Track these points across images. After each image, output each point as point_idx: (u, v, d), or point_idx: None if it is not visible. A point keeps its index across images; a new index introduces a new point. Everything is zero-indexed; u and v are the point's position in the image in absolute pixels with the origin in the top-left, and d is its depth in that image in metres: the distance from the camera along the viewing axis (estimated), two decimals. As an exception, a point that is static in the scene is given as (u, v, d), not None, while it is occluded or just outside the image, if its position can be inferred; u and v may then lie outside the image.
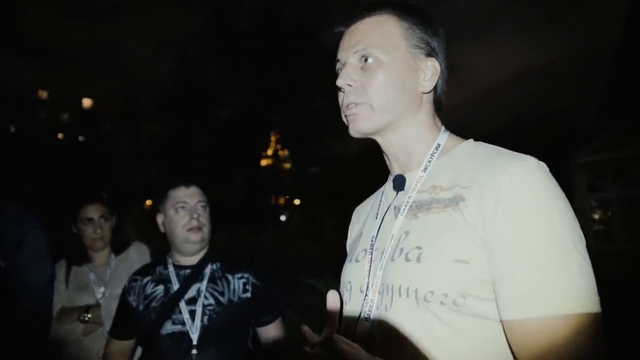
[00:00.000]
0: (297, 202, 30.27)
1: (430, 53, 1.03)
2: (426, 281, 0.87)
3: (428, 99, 1.05)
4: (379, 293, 0.96)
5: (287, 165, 30.09)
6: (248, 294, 1.98)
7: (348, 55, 1.03)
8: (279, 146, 29.49)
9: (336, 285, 1.12)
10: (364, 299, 0.99)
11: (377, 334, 0.93)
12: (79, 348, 2.33)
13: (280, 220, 24.66)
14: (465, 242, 0.85)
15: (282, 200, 30.39)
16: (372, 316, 0.95)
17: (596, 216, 13.26)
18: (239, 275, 2.02)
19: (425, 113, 1.05)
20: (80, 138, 28.01)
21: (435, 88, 1.05)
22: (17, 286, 1.93)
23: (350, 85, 1.02)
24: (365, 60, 1.01)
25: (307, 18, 25.57)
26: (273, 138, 29.03)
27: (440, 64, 1.04)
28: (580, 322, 0.76)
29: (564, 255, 0.79)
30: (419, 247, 0.90)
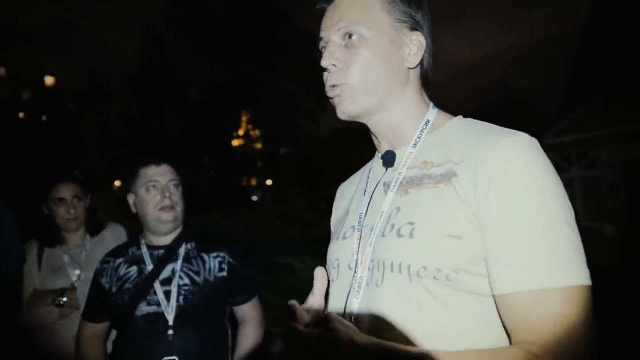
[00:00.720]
0: (269, 182, 30.18)
1: (415, 27, 1.00)
2: (419, 256, 0.87)
3: (414, 75, 1.04)
4: (369, 269, 0.95)
5: (259, 146, 29.90)
6: (224, 273, 1.97)
7: (330, 33, 1.01)
8: (250, 126, 29.24)
9: (313, 264, 1.10)
10: (353, 276, 0.98)
11: (367, 310, 0.92)
12: (54, 332, 2.25)
13: (252, 201, 24.54)
14: (458, 217, 0.85)
15: (254, 181, 30.24)
16: (361, 292, 0.95)
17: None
18: (214, 254, 1.99)
19: (412, 89, 1.03)
20: (43, 117, 27.02)
21: (421, 63, 1.03)
22: None
23: (334, 65, 0.99)
24: (350, 37, 0.98)
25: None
26: (244, 118, 28.73)
27: (425, 38, 1.01)
28: (571, 295, 0.77)
29: (556, 229, 0.80)
30: (411, 223, 0.90)
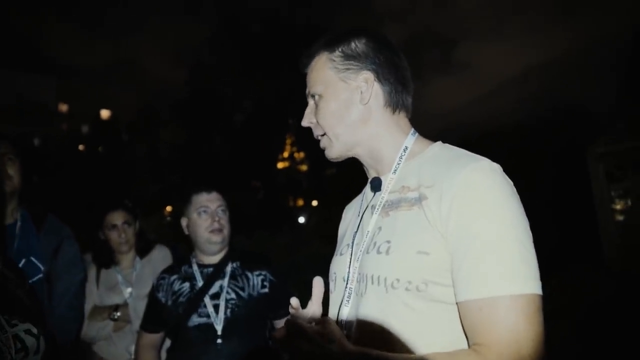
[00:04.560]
0: (315, 203, 30.32)
1: (361, 67, 1.16)
2: (393, 270, 1.01)
3: (377, 107, 1.17)
4: (357, 282, 1.11)
5: (304, 167, 30.20)
6: (266, 290, 2.15)
7: (307, 97, 1.25)
8: (294, 149, 29.64)
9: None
10: (345, 287, 1.14)
11: (354, 316, 1.08)
12: (110, 343, 2.55)
13: (298, 223, 24.77)
14: (426, 236, 0.98)
15: (300, 202, 30.49)
16: (351, 301, 1.11)
17: (617, 207, 13.04)
18: (257, 273, 2.19)
19: (377, 119, 1.17)
20: (100, 149, 28.53)
21: (382, 93, 1.17)
22: (54, 289, 2.12)
23: (311, 123, 1.24)
24: (314, 97, 1.21)
25: (318, 20, 25.79)
26: (288, 141, 29.20)
27: (373, 72, 1.16)
28: (515, 302, 0.87)
29: (507, 245, 0.91)
30: (388, 241, 1.05)
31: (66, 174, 21.35)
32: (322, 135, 1.21)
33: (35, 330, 1.10)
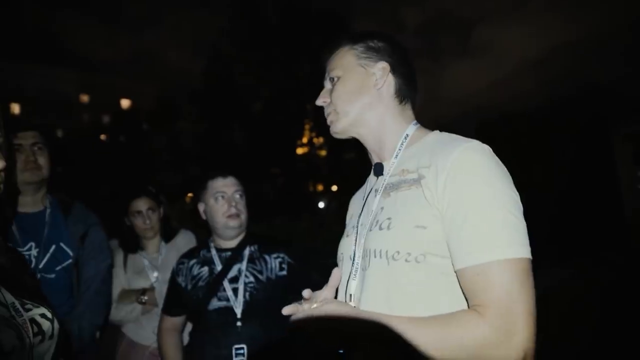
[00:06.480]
0: (334, 188, 30.30)
1: (379, 58, 1.29)
2: (394, 243, 1.10)
3: (387, 94, 1.29)
4: (362, 258, 1.21)
5: (323, 153, 30.13)
6: (284, 272, 2.18)
7: (325, 82, 1.37)
8: (313, 134, 29.57)
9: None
10: (352, 264, 1.24)
11: (360, 289, 1.19)
12: (138, 325, 2.65)
13: (318, 208, 24.85)
14: (424, 212, 1.07)
15: (319, 188, 30.49)
16: (357, 276, 1.22)
17: (644, 187, 12.76)
18: (275, 255, 2.21)
19: (385, 105, 1.29)
20: (121, 138, 28.91)
21: (394, 83, 1.29)
22: (81, 275, 2.19)
23: (325, 102, 1.34)
24: (332, 80, 1.33)
25: (335, 5, 25.52)
26: (307, 126, 29.14)
27: (389, 64, 1.29)
28: (507, 266, 0.96)
29: (496, 215, 1.00)
30: (389, 218, 1.14)
31: (89, 164, 21.76)
32: (330, 112, 1.32)
33: (50, 315, 1.13)
